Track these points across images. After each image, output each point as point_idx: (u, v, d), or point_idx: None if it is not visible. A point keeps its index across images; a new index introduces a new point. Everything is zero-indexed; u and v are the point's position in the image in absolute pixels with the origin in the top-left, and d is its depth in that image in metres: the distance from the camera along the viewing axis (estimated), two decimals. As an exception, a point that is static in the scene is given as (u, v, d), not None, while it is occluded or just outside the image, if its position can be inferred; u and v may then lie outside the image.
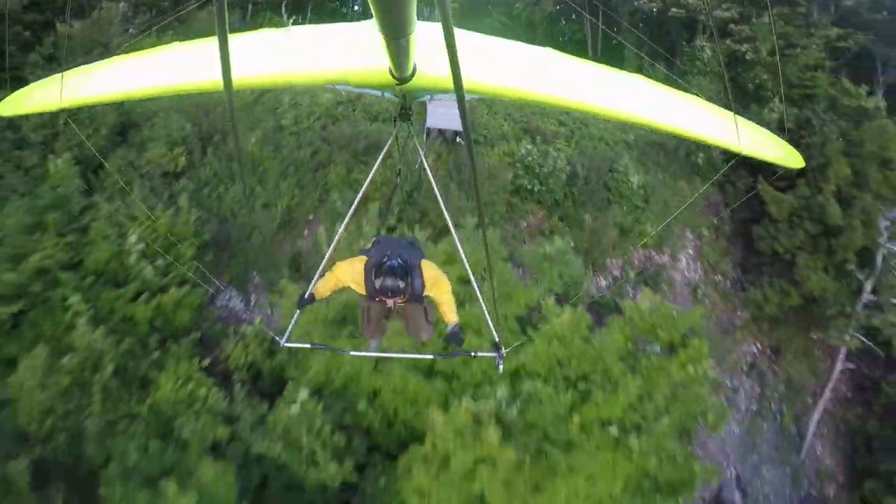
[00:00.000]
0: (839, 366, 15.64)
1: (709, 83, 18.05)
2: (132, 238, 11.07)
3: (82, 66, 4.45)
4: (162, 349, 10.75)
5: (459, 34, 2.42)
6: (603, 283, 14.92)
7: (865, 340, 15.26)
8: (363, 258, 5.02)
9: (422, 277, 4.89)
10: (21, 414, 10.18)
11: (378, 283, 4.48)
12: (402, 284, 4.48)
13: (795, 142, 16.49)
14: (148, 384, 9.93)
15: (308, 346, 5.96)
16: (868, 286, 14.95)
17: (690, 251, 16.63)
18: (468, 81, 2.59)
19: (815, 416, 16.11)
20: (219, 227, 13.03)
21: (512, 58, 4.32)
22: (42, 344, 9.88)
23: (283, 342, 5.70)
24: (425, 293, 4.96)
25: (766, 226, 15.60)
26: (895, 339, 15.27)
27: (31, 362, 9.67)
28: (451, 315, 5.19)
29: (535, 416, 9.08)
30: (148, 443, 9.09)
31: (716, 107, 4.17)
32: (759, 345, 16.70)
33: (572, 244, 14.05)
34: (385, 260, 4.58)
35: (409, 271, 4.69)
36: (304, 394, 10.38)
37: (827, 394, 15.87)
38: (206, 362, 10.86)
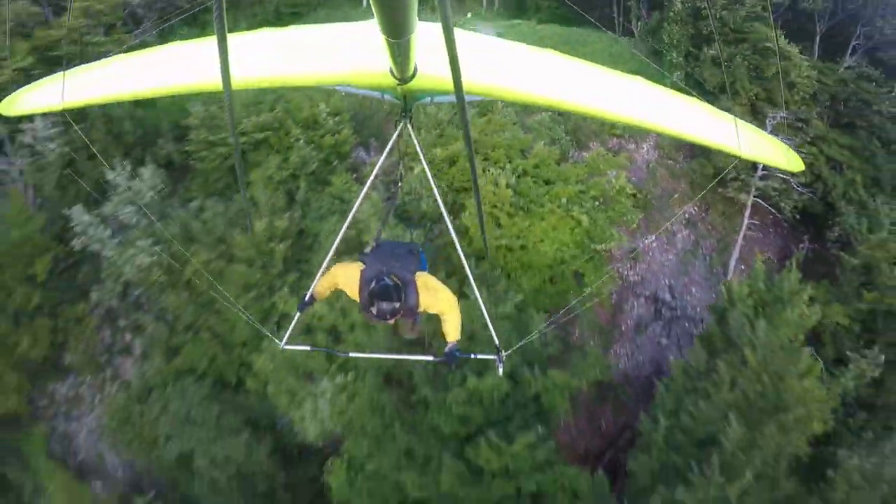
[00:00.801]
0: (746, 220, 23.52)
1: (679, 29, 25.69)
2: (322, 105, 20.14)
3: (83, 66, 4.74)
4: (336, 164, 19.96)
5: (459, 35, 2.51)
6: (585, 155, 23.21)
7: (761, 201, 23.20)
8: (360, 265, 5.19)
9: (416, 293, 4.99)
10: (258, 193, 19.29)
11: (374, 308, 4.63)
12: (396, 305, 4.62)
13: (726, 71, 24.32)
14: (327, 182, 19.02)
15: (308, 348, 6.45)
16: (761, 166, 22.78)
17: (651, 142, 24.67)
18: (468, 82, 2.58)
19: (734, 255, 24.09)
20: (352, 114, 22.04)
21: (512, 59, 4.55)
22: (273, 154, 19.10)
23: (282, 344, 5.94)
24: (421, 309, 5.09)
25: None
26: (781, 202, 23.21)
27: (269, 162, 18.83)
28: (452, 332, 5.37)
29: (525, 188, 17.82)
30: (332, 201, 18.15)
31: (716, 109, 4.36)
32: (695, 207, 24.74)
33: (565, 129, 22.36)
34: (376, 283, 4.70)
35: (402, 289, 4.80)
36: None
37: (741, 239, 23.81)
38: (354, 176, 19.99)
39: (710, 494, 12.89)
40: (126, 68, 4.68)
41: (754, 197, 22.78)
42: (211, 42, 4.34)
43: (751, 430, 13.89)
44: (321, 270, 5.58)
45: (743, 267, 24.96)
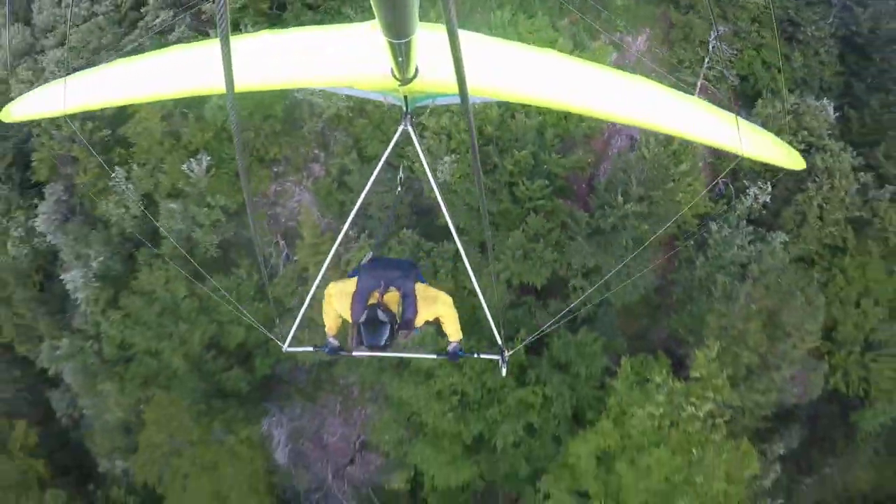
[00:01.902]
0: (696, 94, 37.15)
1: None
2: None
3: (84, 71, 5.09)
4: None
5: (461, 36, 2.52)
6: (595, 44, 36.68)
7: (706, 82, 36.84)
8: (353, 281, 5.49)
9: (415, 306, 5.37)
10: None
11: (365, 338, 4.89)
12: (386, 334, 4.87)
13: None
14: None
15: (311, 349, 6.95)
16: (707, 60, 36.04)
17: (644, 35, 37.86)
18: (469, 84, 2.70)
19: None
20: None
21: (513, 60, 4.74)
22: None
23: (285, 347, 6.52)
24: (419, 324, 5.51)
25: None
26: (717, 87, 36.81)
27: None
28: (454, 333, 5.92)
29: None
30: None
31: (717, 108, 4.82)
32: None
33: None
34: (367, 313, 4.91)
35: (394, 313, 5.08)
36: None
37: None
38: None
39: (619, 214, 28.00)
40: (128, 73, 5.05)
41: (702, 80, 36.34)
42: (212, 46, 4.81)
43: (647, 189, 28.62)
44: (318, 279, 6.29)
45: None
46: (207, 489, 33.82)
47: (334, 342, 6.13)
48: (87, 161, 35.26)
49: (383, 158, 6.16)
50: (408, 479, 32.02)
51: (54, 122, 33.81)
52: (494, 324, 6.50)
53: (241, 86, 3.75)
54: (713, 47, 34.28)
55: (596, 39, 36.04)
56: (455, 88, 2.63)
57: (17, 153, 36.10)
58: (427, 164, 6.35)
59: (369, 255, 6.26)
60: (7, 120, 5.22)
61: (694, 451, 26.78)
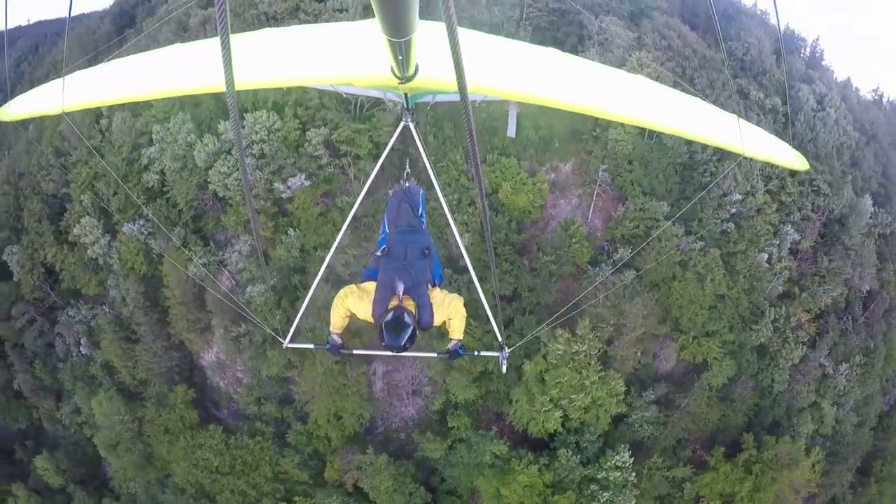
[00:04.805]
0: (595, 196, 72.21)
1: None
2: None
3: (84, 70, 5.13)
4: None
5: (462, 34, 2.58)
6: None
7: (604, 186, 72.43)
8: (371, 284, 5.78)
9: (431, 313, 5.60)
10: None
11: (386, 338, 5.15)
12: (407, 336, 5.18)
13: None
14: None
15: (311, 346, 7.18)
16: (598, 181, 71.63)
17: (570, 164, 73.60)
18: (470, 82, 2.72)
19: (591, 210, 72.74)
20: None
21: (514, 58, 4.76)
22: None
23: (285, 343, 6.74)
24: (437, 323, 5.75)
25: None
26: (605, 187, 72.51)
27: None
28: (457, 332, 6.18)
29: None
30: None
31: (719, 109, 4.79)
32: (582, 189, 73.80)
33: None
34: (394, 313, 5.17)
35: (415, 316, 5.32)
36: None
37: (593, 204, 72.57)
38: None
39: (540, 262, 63.19)
40: (128, 70, 5.09)
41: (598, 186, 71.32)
42: (212, 43, 4.71)
43: (555, 250, 63.61)
44: (321, 272, 6.87)
45: (596, 215, 74.19)
46: (329, 409, 66.92)
47: (337, 339, 6.43)
48: (265, 223, 70.04)
49: (385, 152, 6.76)
50: (443, 402, 58.96)
51: (242, 201, 67.38)
52: (495, 323, 7.12)
53: (240, 83, 3.85)
54: (601, 174, 69.56)
55: (542, 166, 71.05)
56: (455, 86, 2.66)
57: (194, 212, 60.87)
58: (427, 157, 6.47)
59: (382, 246, 6.27)
60: (4, 118, 5.29)
61: (582, 371, 61.73)
